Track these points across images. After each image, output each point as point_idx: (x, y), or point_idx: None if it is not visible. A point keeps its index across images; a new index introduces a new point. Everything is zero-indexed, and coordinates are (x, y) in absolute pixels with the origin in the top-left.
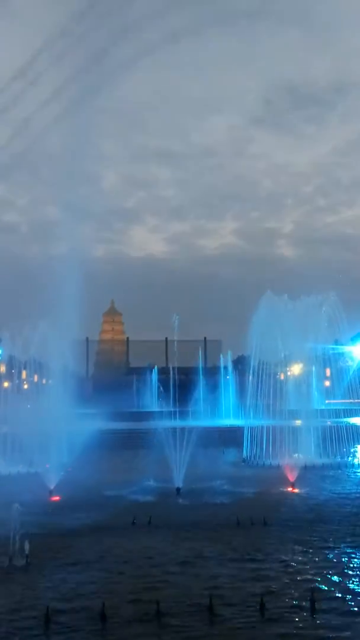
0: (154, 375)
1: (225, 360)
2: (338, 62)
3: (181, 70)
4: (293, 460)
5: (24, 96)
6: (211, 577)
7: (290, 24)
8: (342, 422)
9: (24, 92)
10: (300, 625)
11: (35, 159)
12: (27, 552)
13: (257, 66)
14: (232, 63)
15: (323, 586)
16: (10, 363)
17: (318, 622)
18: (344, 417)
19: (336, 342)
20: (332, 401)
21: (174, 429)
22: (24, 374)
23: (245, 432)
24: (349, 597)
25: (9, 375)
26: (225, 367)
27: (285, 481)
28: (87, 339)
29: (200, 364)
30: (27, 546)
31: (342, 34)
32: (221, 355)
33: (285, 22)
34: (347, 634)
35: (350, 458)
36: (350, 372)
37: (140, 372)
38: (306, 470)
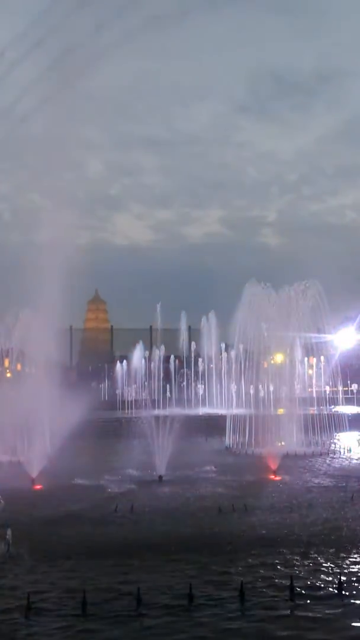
0: (139, 364)
1: (209, 348)
2: (323, 50)
3: (166, 57)
4: (275, 448)
5: (3, 80)
6: (193, 564)
7: (276, 11)
8: (324, 410)
9: (3, 76)
10: (281, 610)
11: (18, 145)
12: (9, 540)
13: (242, 53)
14: (217, 50)
15: (302, 571)
16: None
17: (297, 606)
18: (327, 405)
19: (319, 331)
20: (314, 389)
21: (157, 417)
22: (6, 363)
23: (228, 420)
24: (326, 581)
25: None
26: (209, 356)
27: (267, 469)
28: (71, 327)
29: (184, 352)
30: (9, 534)
31: (328, 22)
32: (205, 344)
33: (271, 9)
34: (319, 615)
35: (331, 446)
36: (333, 361)
37: (125, 361)
38: (288, 459)
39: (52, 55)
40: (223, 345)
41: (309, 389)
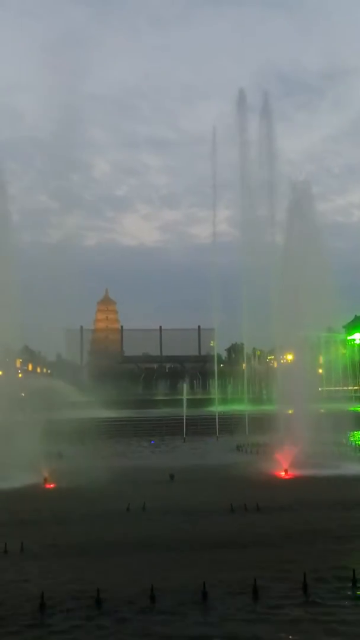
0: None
1: (219, 348)
2: (328, 49)
3: (171, 57)
4: (286, 446)
5: (10, 81)
6: (206, 562)
7: (279, 9)
8: (335, 409)
9: (10, 77)
10: (295, 607)
11: (26, 146)
12: (21, 539)
13: (247, 52)
14: (222, 49)
15: (315, 569)
16: (4, 352)
17: (311, 605)
18: (338, 404)
19: (329, 330)
20: (325, 388)
21: (168, 417)
22: (18, 363)
23: (239, 419)
24: (338, 578)
25: (2, 364)
26: (219, 355)
27: (278, 467)
28: (81, 327)
29: (194, 352)
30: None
31: (332, 20)
32: (214, 343)
33: (274, 8)
34: (337, 617)
35: (342, 445)
36: (344, 360)
37: (135, 361)
38: (299, 457)
39: (56, 57)
40: (233, 345)
41: (320, 388)
